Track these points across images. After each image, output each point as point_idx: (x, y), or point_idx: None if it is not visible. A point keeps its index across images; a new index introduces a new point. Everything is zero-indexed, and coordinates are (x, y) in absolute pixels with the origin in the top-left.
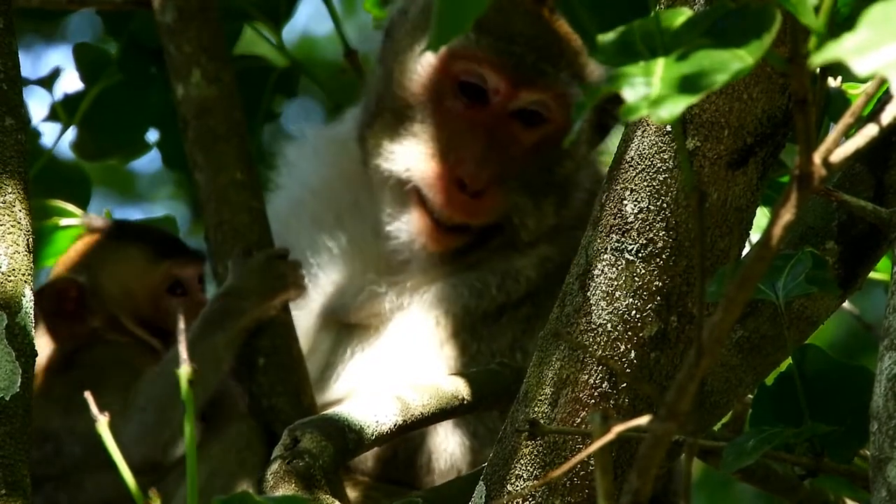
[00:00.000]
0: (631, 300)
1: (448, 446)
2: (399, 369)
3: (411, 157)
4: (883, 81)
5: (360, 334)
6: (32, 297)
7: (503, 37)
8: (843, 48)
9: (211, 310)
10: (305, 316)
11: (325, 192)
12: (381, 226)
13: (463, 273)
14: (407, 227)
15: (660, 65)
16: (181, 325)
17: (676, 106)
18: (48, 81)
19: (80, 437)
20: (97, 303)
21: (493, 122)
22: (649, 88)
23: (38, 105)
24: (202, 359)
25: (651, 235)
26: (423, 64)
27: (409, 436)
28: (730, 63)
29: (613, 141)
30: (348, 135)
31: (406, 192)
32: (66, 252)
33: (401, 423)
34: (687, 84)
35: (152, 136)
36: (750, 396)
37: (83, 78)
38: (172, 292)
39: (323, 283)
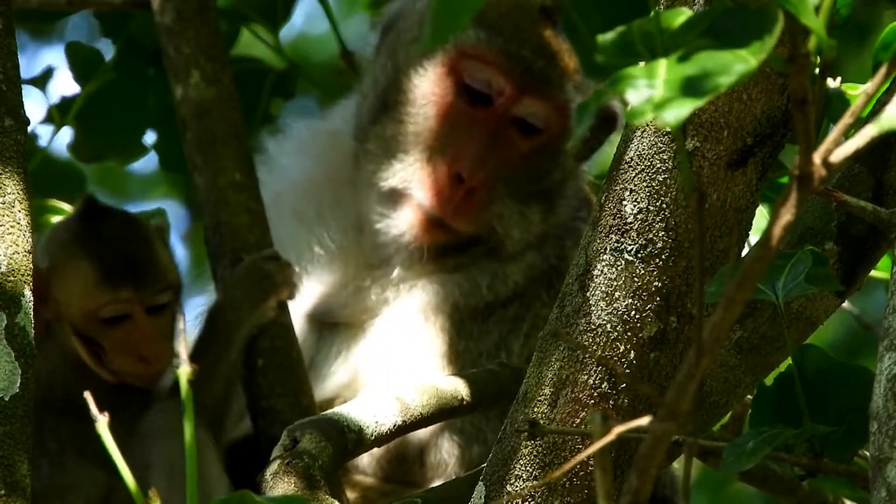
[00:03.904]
0: (630, 300)
1: (437, 442)
2: (387, 366)
3: (409, 163)
4: (882, 81)
5: (345, 332)
6: (32, 298)
7: (513, 41)
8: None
9: (211, 327)
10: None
11: (306, 185)
12: (364, 222)
13: (450, 272)
14: (397, 222)
15: (662, 66)
16: (181, 325)
17: (682, 110)
18: (40, 81)
19: (50, 456)
20: (50, 297)
21: (494, 123)
22: (652, 90)
23: (33, 106)
24: (224, 376)
25: (650, 236)
26: (432, 58)
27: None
28: (732, 64)
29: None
30: (340, 129)
31: (398, 192)
32: (52, 227)
33: (400, 423)
34: (690, 86)
35: (149, 138)
36: (749, 397)
37: (76, 78)
38: (109, 322)
39: (305, 281)
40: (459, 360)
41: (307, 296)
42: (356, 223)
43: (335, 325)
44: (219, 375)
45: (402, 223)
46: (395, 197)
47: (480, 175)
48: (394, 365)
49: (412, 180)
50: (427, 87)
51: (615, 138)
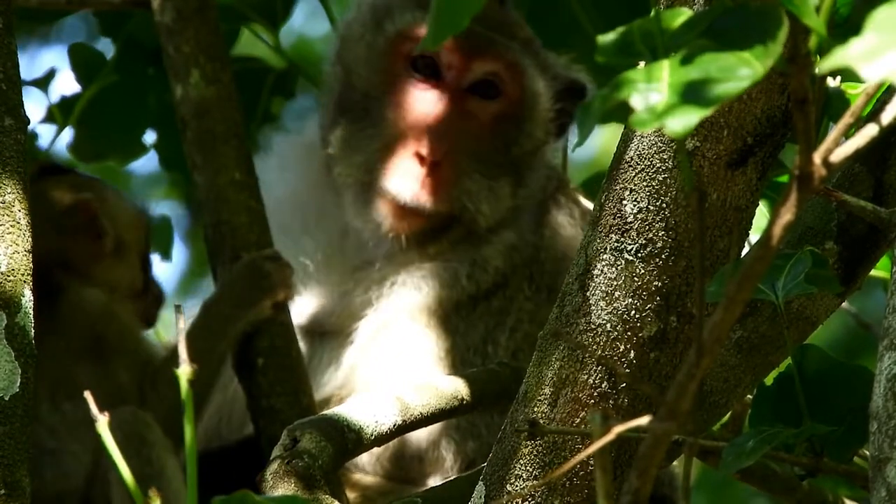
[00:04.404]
0: (630, 300)
1: (434, 438)
2: (378, 370)
3: (371, 154)
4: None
5: (334, 340)
6: (32, 297)
7: None
8: (849, 54)
9: (206, 318)
10: None
11: (290, 199)
12: (346, 227)
13: (430, 265)
14: (371, 216)
15: (664, 69)
16: (181, 324)
17: (690, 118)
18: (43, 82)
19: (54, 428)
20: (111, 228)
21: (448, 97)
22: (657, 95)
23: (34, 106)
24: (209, 367)
25: (650, 235)
26: (376, 50)
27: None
28: (737, 69)
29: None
30: (313, 141)
31: (367, 186)
32: (46, 186)
33: (400, 423)
34: (696, 91)
35: (149, 137)
36: (749, 396)
37: (79, 79)
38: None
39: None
40: (448, 356)
41: (297, 308)
42: (340, 229)
43: (325, 333)
44: (205, 367)
45: (376, 216)
46: (364, 192)
47: (441, 149)
48: (384, 367)
49: (376, 171)
50: (376, 78)
51: (616, 132)
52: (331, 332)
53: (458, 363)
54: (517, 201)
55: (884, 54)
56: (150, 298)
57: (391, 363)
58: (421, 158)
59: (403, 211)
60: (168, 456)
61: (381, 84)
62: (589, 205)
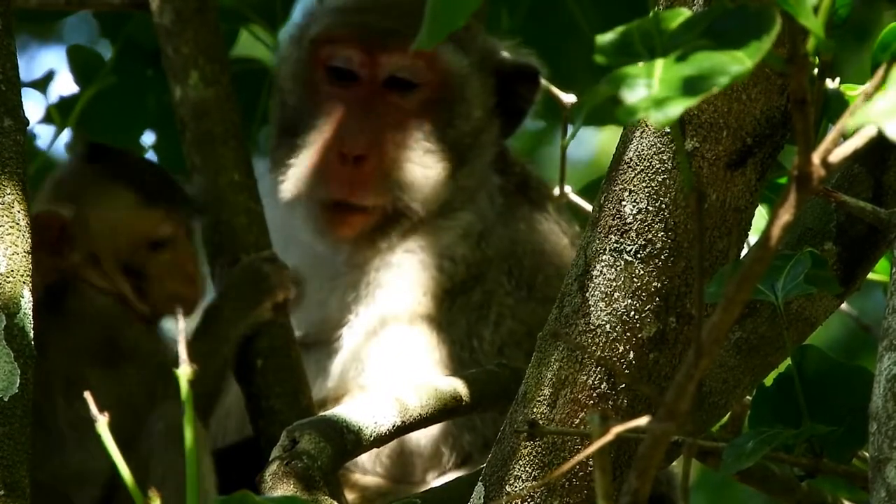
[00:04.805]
0: (630, 301)
1: (429, 431)
2: (370, 373)
3: (301, 165)
4: (882, 82)
5: (321, 349)
6: (31, 298)
7: (357, 13)
8: (873, 111)
9: (207, 323)
10: None
11: (275, 223)
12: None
13: (396, 261)
14: (316, 227)
15: (659, 66)
16: (181, 325)
17: (674, 109)
18: (42, 84)
19: (64, 422)
20: (81, 238)
21: (366, 95)
22: (649, 90)
23: (32, 107)
24: (214, 372)
25: (650, 236)
26: (300, 63)
27: None
28: (728, 65)
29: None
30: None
31: (306, 198)
32: (53, 177)
33: (399, 424)
34: (686, 86)
35: (148, 138)
36: (748, 397)
37: (77, 80)
38: (155, 246)
39: None
40: (435, 351)
41: None
42: (315, 251)
43: (310, 345)
44: (210, 371)
45: (320, 225)
46: (306, 204)
47: (361, 143)
48: (374, 370)
49: (309, 180)
50: (302, 91)
51: (614, 133)
52: (316, 342)
53: (444, 357)
54: (460, 182)
55: None
56: (154, 300)
57: (380, 364)
58: (343, 156)
59: (342, 213)
60: (204, 454)
61: (306, 96)
62: (579, 202)
